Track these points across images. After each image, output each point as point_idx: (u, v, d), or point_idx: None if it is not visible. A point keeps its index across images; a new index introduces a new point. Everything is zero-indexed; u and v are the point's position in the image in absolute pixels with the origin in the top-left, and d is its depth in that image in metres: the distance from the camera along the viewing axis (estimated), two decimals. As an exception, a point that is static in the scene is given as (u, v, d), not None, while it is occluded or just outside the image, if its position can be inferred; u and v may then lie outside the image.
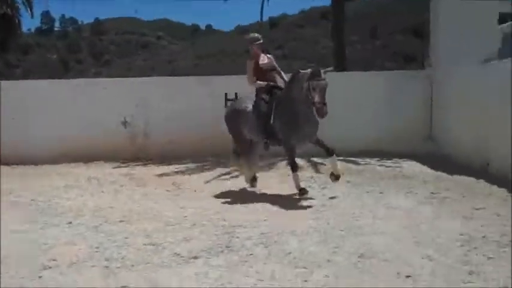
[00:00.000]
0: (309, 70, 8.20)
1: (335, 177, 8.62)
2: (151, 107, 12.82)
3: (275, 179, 10.05)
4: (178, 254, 5.80)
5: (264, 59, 9.11)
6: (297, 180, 8.57)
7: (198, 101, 12.68)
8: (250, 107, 9.02)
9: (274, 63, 9.20)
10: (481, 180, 9.03)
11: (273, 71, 9.13)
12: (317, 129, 8.56)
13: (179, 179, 10.42)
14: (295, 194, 8.53)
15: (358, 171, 10.53)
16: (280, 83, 9.08)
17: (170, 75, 17.85)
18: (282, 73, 9.18)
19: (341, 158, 11.22)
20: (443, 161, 10.89)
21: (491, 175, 9.24)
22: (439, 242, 6.01)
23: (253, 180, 9.31)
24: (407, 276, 5.00)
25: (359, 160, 11.60)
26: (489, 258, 5.45)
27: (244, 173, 9.47)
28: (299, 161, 11.29)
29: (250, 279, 5.07)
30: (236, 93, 12.37)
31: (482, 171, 9.52)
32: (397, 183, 9.40)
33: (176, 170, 11.28)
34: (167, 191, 9.40)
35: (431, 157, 11.26)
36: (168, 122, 12.67)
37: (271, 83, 9.00)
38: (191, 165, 11.68)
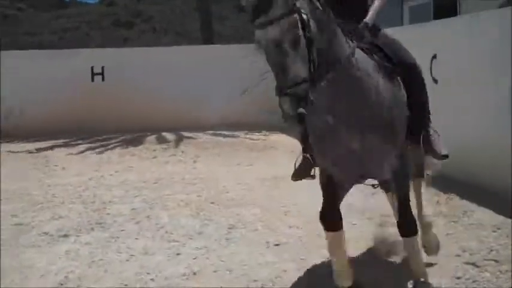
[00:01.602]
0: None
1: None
2: (19, 82, 12.20)
3: (145, 154, 10.05)
4: (47, 233, 5.70)
5: None
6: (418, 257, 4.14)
7: (64, 74, 12.23)
8: None
9: None
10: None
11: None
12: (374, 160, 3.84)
13: (47, 155, 10.13)
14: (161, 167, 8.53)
15: (228, 144, 10.68)
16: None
17: (36, 49, 17.06)
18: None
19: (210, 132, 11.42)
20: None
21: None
22: (306, 211, 6.24)
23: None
24: (276, 245, 5.19)
25: (226, 133, 11.70)
26: (353, 224, 5.73)
27: None
28: (168, 136, 11.35)
29: (122, 255, 5.07)
30: (103, 67, 12.20)
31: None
32: (265, 154, 9.62)
33: (44, 146, 10.93)
34: (35, 168, 9.12)
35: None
36: (37, 97, 12.13)
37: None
38: (59, 142, 11.33)
